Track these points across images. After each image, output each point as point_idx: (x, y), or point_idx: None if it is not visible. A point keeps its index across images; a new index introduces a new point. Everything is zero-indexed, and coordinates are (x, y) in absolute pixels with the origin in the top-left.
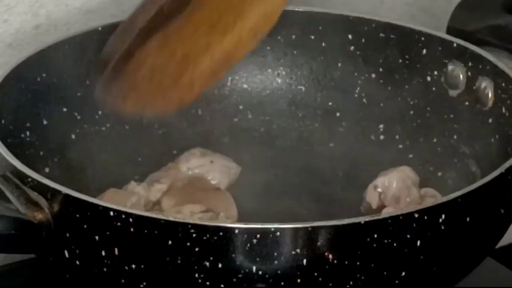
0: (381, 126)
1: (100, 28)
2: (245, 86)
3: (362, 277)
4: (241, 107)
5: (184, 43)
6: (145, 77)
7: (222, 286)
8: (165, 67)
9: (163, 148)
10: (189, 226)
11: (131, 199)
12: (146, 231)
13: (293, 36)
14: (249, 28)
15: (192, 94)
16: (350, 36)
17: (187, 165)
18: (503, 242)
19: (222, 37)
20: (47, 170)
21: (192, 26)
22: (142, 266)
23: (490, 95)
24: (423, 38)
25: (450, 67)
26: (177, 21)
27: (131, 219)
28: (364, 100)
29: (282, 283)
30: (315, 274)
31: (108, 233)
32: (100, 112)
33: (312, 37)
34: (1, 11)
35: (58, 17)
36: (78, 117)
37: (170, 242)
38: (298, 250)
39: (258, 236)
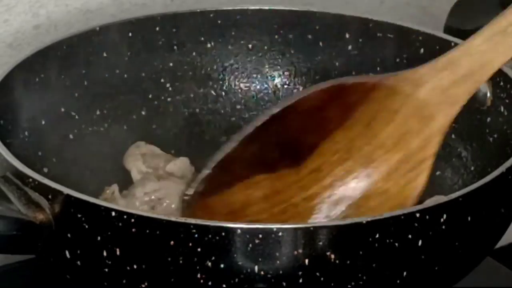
0: None
1: (99, 28)
2: (242, 85)
3: (364, 277)
4: (238, 106)
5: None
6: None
7: (224, 286)
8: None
9: (161, 148)
10: (191, 226)
11: None
12: (147, 231)
13: (291, 36)
14: None
15: None
16: (347, 36)
17: (143, 190)
18: (503, 242)
19: None
20: (45, 170)
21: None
22: (144, 266)
23: (488, 94)
24: (420, 38)
25: None
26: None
27: (132, 220)
28: None
29: (284, 283)
30: (317, 274)
31: (109, 233)
32: (98, 112)
33: (310, 36)
34: (1, 11)
35: (58, 17)
36: (76, 117)
37: (172, 242)
38: (300, 250)
39: (260, 236)
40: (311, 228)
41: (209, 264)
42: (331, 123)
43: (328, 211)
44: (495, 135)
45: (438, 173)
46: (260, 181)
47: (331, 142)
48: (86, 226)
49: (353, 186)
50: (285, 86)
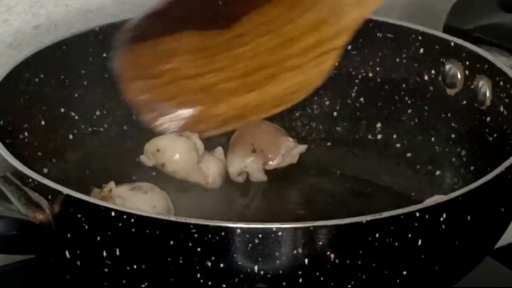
0: (379, 125)
1: (98, 28)
2: None
3: (364, 276)
4: None
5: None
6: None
7: (224, 286)
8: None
9: None
10: (191, 226)
11: None
12: (147, 231)
13: None
14: (274, 94)
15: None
16: None
17: None
18: (503, 242)
19: (248, 91)
20: (45, 170)
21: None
22: (144, 267)
23: (488, 93)
24: (420, 37)
25: (447, 66)
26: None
27: (132, 220)
28: (361, 99)
29: (284, 283)
30: (317, 273)
31: (109, 233)
32: (97, 113)
33: None
34: (1, 11)
35: (58, 17)
36: (76, 118)
37: (171, 242)
38: (299, 250)
39: (260, 236)
40: (311, 228)
41: (209, 264)
42: None
43: (244, 73)
44: (495, 135)
45: (438, 172)
46: (189, 36)
47: (259, 14)
48: (86, 226)
49: (272, 56)
50: None
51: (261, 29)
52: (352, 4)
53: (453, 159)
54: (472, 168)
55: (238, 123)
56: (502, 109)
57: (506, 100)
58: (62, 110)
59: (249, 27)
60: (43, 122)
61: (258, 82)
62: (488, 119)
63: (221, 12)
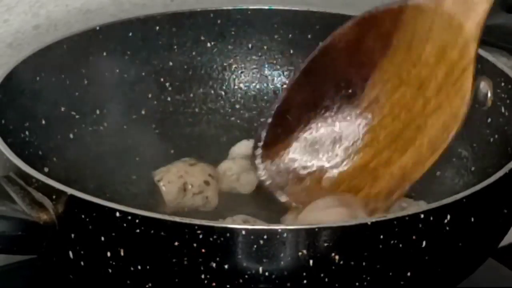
0: None
1: (98, 28)
2: (241, 85)
3: (368, 278)
4: (238, 106)
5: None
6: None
7: (228, 287)
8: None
9: (161, 147)
10: (196, 227)
11: None
12: (152, 232)
13: (290, 35)
14: (427, 142)
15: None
16: None
17: None
18: (503, 242)
19: (402, 154)
20: (46, 170)
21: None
22: (148, 267)
23: (489, 94)
24: None
25: None
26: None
27: (137, 220)
28: None
29: (288, 284)
30: (321, 275)
31: (113, 234)
32: (97, 112)
33: (310, 36)
34: (1, 11)
35: (58, 17)
36: (76, 117)
37: (176, 243)
38: (304, 251)
39: (265, 237)
40: (316, 229)
41: (214, 265)
42: (374, 54)
43: (392, 138)
44: (496, 136)
45: (438, 173)
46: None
47: (380, 72)
48: (90, 227)
49: (410, 108)
50: (285, 86)
51: (390, 86)
52: (463, 11)
53: (454, 160)
54: (473, 168)
55: (402, 188)
56: (503, 110)
57: (508, 101)
58: (63, 109)
59: (378, 90)
60: (43, 122)
61: (407, 141)
62: (489, 120)
63: (344, 87)
